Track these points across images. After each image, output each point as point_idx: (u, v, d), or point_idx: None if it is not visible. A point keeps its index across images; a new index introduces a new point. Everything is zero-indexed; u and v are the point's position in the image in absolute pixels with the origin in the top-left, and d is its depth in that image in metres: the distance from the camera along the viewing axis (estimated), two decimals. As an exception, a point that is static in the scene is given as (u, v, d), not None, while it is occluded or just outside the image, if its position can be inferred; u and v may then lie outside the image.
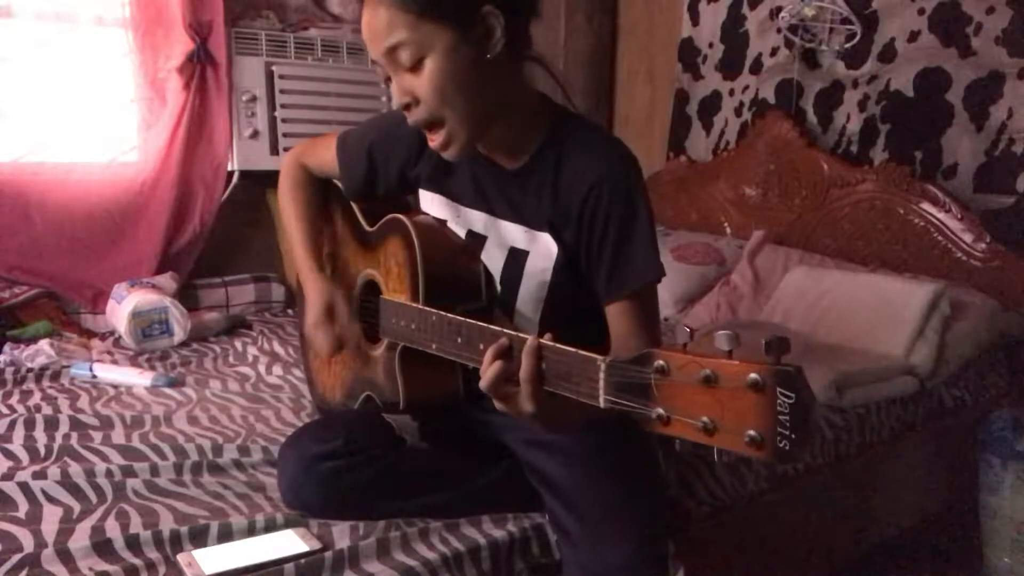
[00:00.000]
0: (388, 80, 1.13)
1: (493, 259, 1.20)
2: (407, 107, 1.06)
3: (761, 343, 0.66)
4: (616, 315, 1.12)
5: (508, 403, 0.91)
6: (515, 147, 1.16)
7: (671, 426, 0.73)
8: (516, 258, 1.18)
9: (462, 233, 1.23)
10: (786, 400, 0.64)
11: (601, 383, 0.80)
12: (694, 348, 0.72)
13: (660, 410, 0.73)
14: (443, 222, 1.24)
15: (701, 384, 0.69)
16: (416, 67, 1.03)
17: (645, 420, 0.75)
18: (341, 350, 1.30)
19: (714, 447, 0.70)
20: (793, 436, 0.64)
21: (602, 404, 0.81)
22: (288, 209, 1.41)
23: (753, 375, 0.65)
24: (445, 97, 1.03)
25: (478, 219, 1.21)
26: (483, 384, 0.91)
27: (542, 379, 0.87)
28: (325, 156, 1.39)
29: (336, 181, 1.42)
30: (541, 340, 0.87)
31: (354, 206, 1.38)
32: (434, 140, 1.09)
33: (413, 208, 1.32)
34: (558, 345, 0.87)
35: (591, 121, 1.26)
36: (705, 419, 0.69)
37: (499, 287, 1.20)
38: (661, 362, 0.73)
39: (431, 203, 1.27)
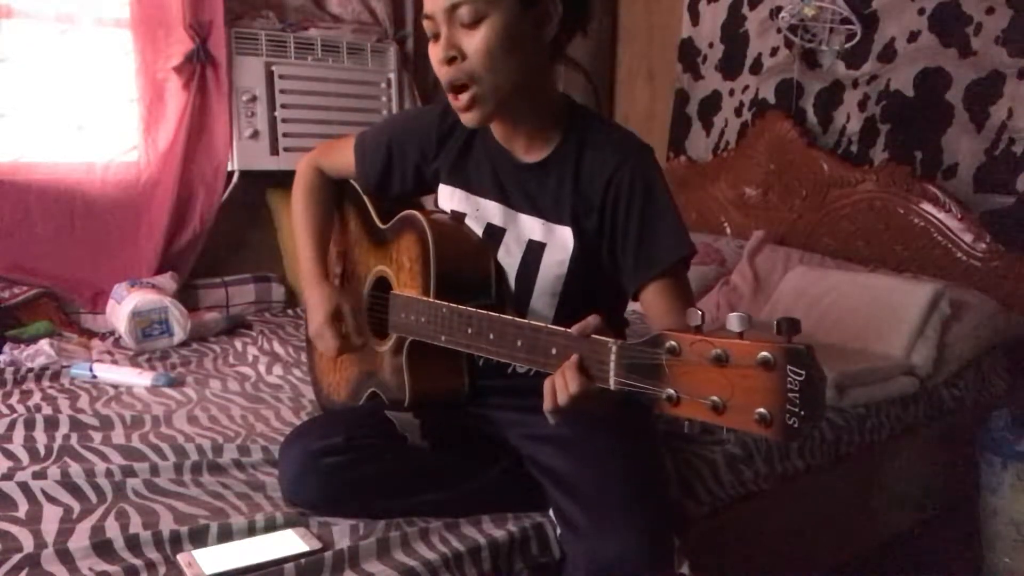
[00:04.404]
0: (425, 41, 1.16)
1: (511, 252, 1.21)
2: (450, 61, 1.09)
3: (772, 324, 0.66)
4: (651, 297, 1.14)
5: (583, 405, 0.90)
6: (536, 140, 1.20)
7: (680, 406, 0.73)
8: (533, 251, 1.20)
9: (481, 227, 1.24)
10: (796, 378, 0.64)
11: (611, 365, 0.81)
12: (706, 330, 0.73)
13: (670, 390, 0.74)
14: (462, 216, 1.25)
15: (712, 363, 0.70)
16: (473, 25, 1.07)
17: (655, 401, 0.75)
18: (347, 352, 1.30)
19: (723, 426, 0.70)
20: (802, 413, 0.64)
21: (612, 386, 0.82)
22: (299, 214, 1.43)
23: (764, 353, 0.66)
24: (492, 58, 1.07)
25: (496, 212, 1.23)
26: (565, 400, 0.89)
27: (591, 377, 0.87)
28: (342, 156, 1.41)
29: (352, 181, 1.43)
30: (547, 327, 0.91)
31: (368, 204, 1.39)
32: (459, 100, 1.11)
33: (427, 208, 1.33)
34: (566, 331, 0.88)
35: (608, 119, 1.28)
36: (715, 398, 0.70)
37: (516, 281, 1.21)
38: (672, 343, 0.73)
39: (450, 197, 1.29)
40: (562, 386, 0.88)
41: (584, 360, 0.86)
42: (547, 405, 0.91)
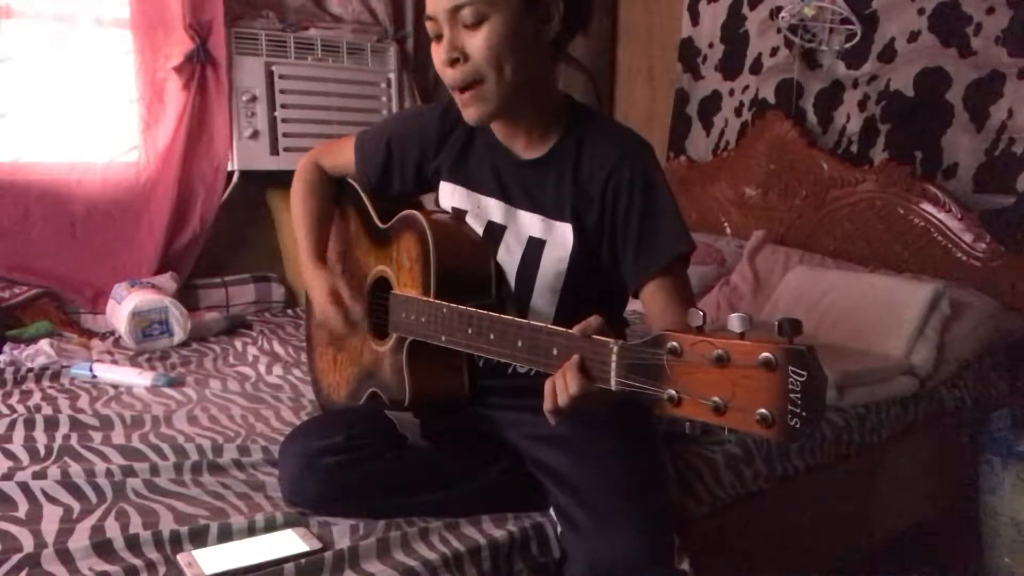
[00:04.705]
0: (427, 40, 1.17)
1: (511, 250, 1.22)
2: (453, 63, 1.10)
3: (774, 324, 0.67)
4: (651, 293, 1.14)
5: (586, 403, 0.90)
6: (536, 137, 1.21)
7: (682, 407, 0.73)
8: (534, 248, 1.20)
9: (482, 225, 1.25)
10: (797, 378, 0.64)
11: (613, 366, 0.81)
12: (707, 330, 0.73)
13: (671, 391, 0.74)
14: (463, 213, 1.26)
15: (713, 364, 0.70)
16: (475, 26, 1.07)
17: (656, 402, 0.75)
18: (355, 330, 1.29)
19: (724, 427, 0.70)
20: (804, 414, 0.64)
21: (613, 387, 0.82)
22: (297, 207, 1.44)
23: (765, 354, 0.66)
24: (495, 57, 1.08)
25: (497, 209, 1.24)
26: (566, 400, 0.89)
27: (591, 377, 0.87)
28: (342, 154, 1.42)
29: (351, 180, 1.43)
30: (550, 327, 0.91)
31: (368, 204, 1.39)
32: (463, 98, 1.12)
33: (427, 208, 1.34)
34: (567, 331, 0.88)
35: (607, 116, 1.29)
36: (716, 399, 0.70)
37: (516, 279, 1.21)
38: (674, 343, 0.74)
39: (451, 195, 1.29)
40: (562, 387, 0.88)
41: (585, 361, 0.86)
42: (547, 405, 0.91)
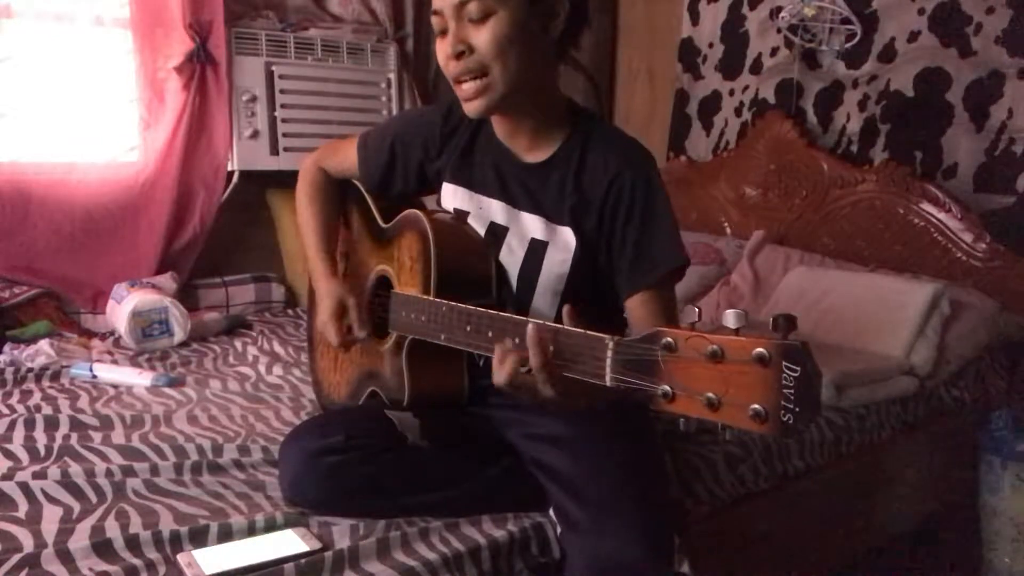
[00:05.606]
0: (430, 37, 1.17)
1: (513, 251, 1.22)
2: (458, 56, 1.10)
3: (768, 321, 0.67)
4: (637, 304, 1.15)
5: (526, 392, 0.92)
6: (538, 140, 1.21)
7: (676, 402, 0.73)
8: (536, 250, 1.20)
9: (484, 226, 1.25)
10: (791, 374, 0.64)
11: (608, 361, 0.81)
12: (702, 327, 0.73)
13: (666, 387, 0.74)
14: (465, 215, 1.26)
15: (707, 359, 0.70)
16: (482, 21, 1.08)
17: (651, 397, 0.75)
18: (350, 348, 1.30)
19: (718, 423, 0.70)
20: (797, 409, 0.64)
21: (608, 382, 0.82)
22: (304, 212, 1.43)
23: (759, 349, 0.66)
24: (500, 50, 1.09)
25: (499, 210, 1.24)
26: (499, 380, 0.92)
27: (552, 364, 0.88)
28: (345, 156, 1.42)
29: (355, 181, 1.43)
30: (543, 323, 0.90)
31: (371, 204, 1.40)
32: (469, 87, 1.12)
33: (429, 207, 1.34)
34: (564, 327, 0.88)
35: (611, 124, 1.28)
36: (710, 394, 0.70)
37: (518, 280, 1.22)
38: (668, 339, 0.74)
39: (453, 196, 1.29)
40: (497, 361, 0.92)
41: (581, 356, 0.86)
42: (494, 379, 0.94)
